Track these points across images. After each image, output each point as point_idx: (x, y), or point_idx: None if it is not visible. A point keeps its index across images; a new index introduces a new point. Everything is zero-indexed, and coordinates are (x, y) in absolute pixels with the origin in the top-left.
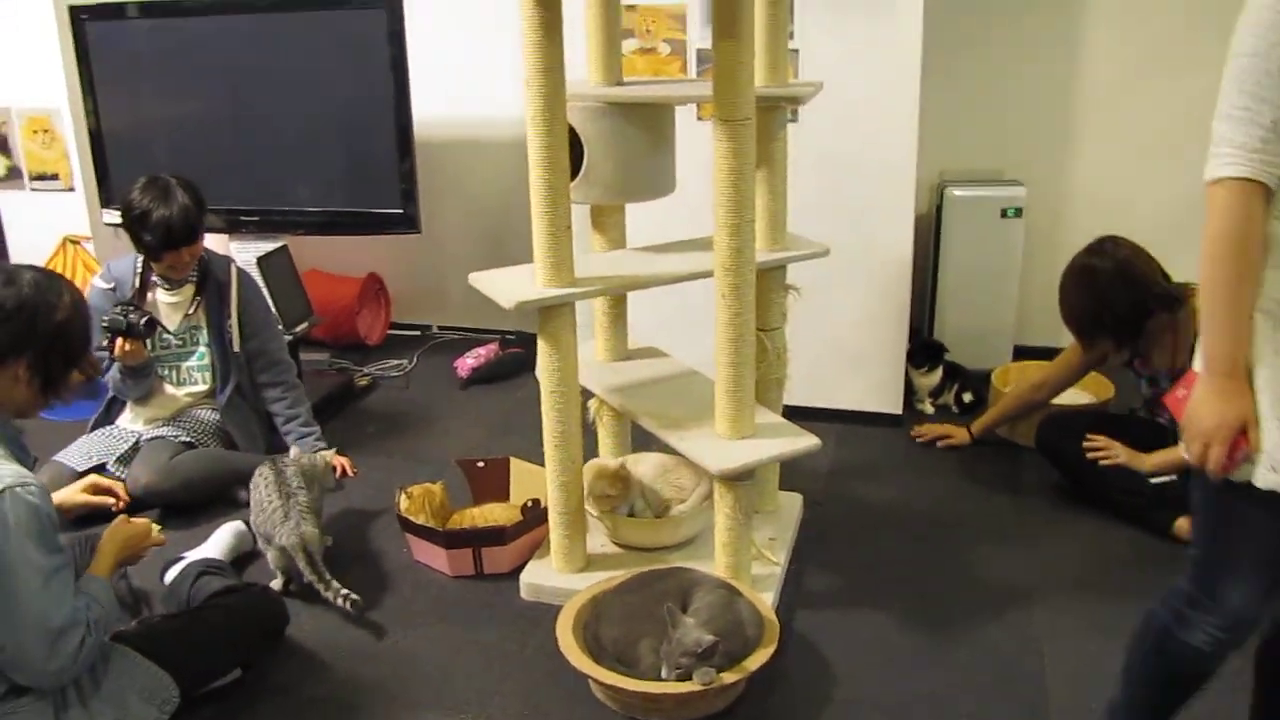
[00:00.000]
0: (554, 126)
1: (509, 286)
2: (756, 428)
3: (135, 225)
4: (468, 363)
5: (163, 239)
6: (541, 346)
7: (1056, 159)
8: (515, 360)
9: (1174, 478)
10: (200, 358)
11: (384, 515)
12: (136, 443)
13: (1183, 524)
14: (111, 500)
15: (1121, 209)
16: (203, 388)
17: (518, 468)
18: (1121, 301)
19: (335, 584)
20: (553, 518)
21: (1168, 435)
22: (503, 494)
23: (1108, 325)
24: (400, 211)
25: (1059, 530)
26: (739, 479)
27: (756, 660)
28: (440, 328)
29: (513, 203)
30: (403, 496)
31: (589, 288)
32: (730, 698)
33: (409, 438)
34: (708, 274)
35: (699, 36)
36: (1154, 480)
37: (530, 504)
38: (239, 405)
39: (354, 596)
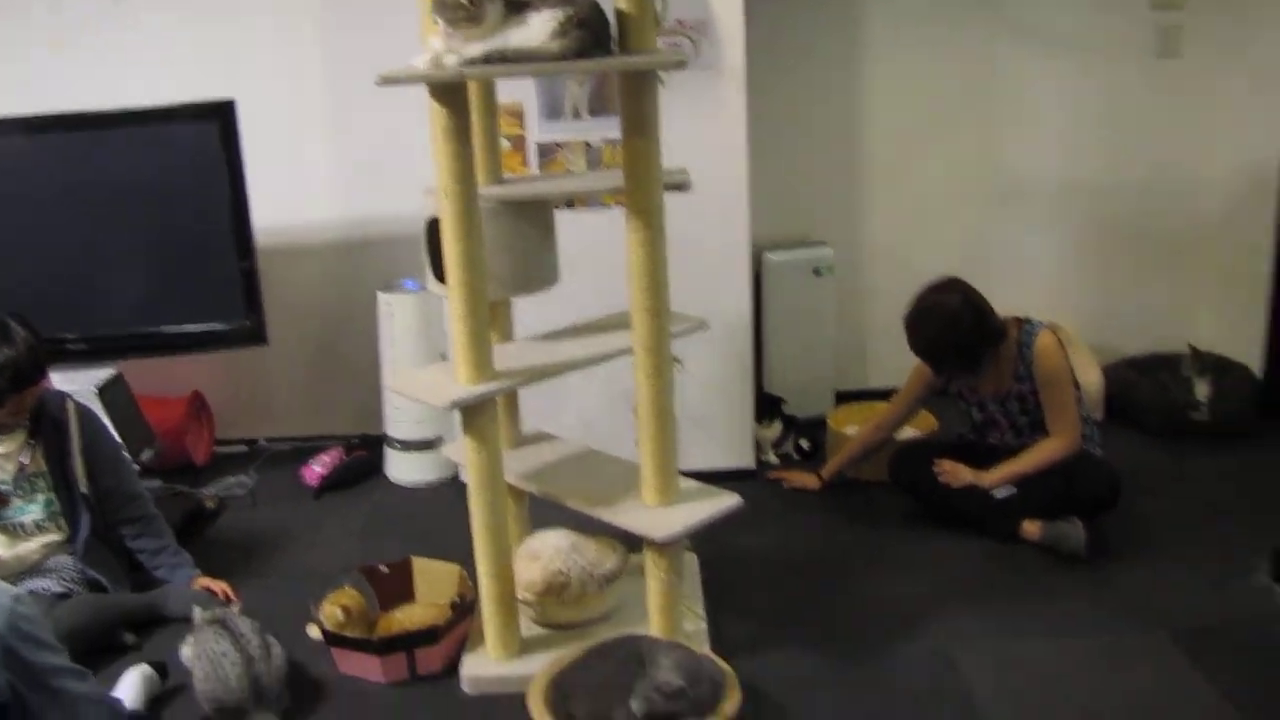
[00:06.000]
0: (471, 231)
1: (435, 387)
2: (679, 493)
3: None
4: (316, 470)
5: (11, 381)
6: (468, 443)
7: (853, 221)
8: (363, 464)
9: (1014, 489)
10: (48, 505)
11: (287, 635)
12: None
13: (1027, 527)
14: None
15: (909, 259)
16: (58, 536)
17: (419, 567)
18: (970, 332)
19: None
20: (487, 608)
21: (999, 453)
22: (408, 595)
23: (956, 353)
24: (245, 324)
25: (924, 550)
26: (675, 544)
27: (733, 704)
28: (269, 440)
29: (338, 307)
30: (337, 611)
31: (515, 379)
32: None
33: (280, 555)
34: (625, 353)
35: (538, 131)
36: (997, 493)
37: (457, 600)
38: (97, 547)
39: None
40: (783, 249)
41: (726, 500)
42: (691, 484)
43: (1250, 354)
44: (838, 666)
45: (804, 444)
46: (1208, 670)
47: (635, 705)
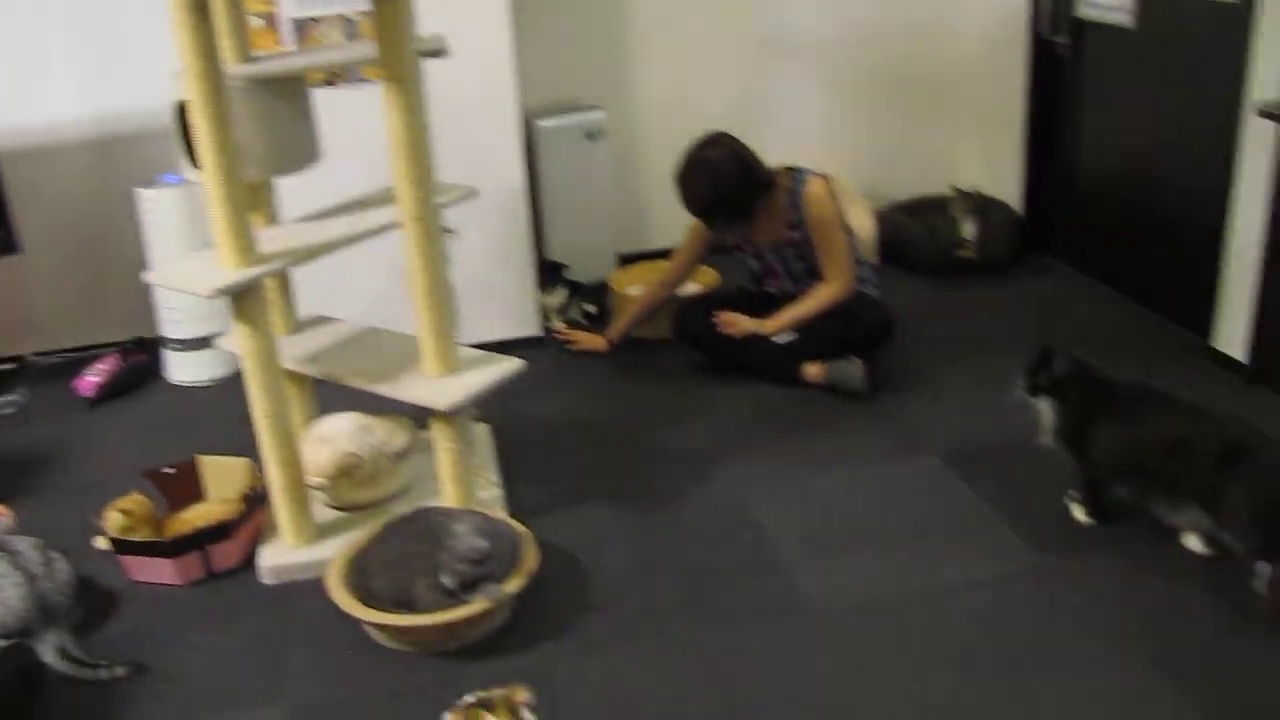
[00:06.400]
0: (218, 109)
1: (198, 276)
2: (460, 362)
3: None
4: (91, 380)
5: None
6: (240, 330)
7: (623, 83)
8: (141, 368)
9: (795, 334)
10: None
11: (75, 551)
12: None
13: (810, 369)
14: None
15: (681, 118)
16: None
17: (207, 465)
18: (738, 184)
19: (101, 664)
20: (278, 496)
21: (779, 301)
22: (198, 495)
23: (727, 206)
24: None
25: (712, 400)
26: (460, 413)
27: (530, 561)
28: (38, 354)
29: (97, 209)
30: (118, 516)
31: (281, 260)
32: (511, 605)
33: (59, 470)
34: (393, 226)
35: (291, 7)
36: (779, 340)
37: (249, 492)
38: None
39: (118, 672)
40: (554, 115)
41: (509, 366)
42: (473, 352)
43: (1010, 192)
44: (633, 517)
45: (589, 308)
46: (975, 485)
47: (446, 580)
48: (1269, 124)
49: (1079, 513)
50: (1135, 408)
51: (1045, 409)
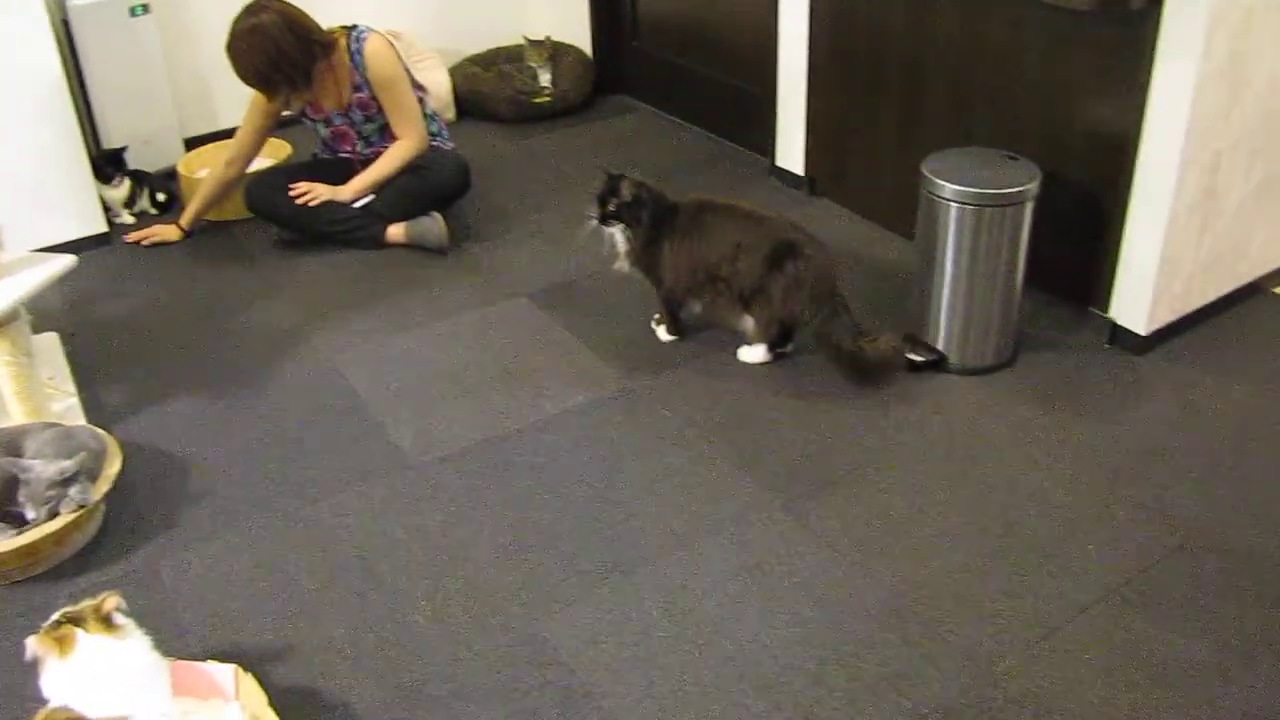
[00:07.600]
0: None
1: None
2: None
3: None
4: None
5: None
6: None
7: None
8: None
9: (373, 196)
10: None
11: None
12: None
13: (392, 231)
14: None
15: None
16: None
17: None
18: (293, 48)
19: None
20: None
21: (355, 165)
22: None
23: (285, 72)
24: None
25: (297, 274)
26: (9, 322)
27: (114, 464)
28: None
29: None
30: None
31: None
32: (101, 515)
33: None
34: None
35: None
36: (357, 204)
37: None
38: None
39: None
40: None
41: (57, 264)
42: (15, 255)
43: (580, 36)
44: (225, 403)
45: (159, 197)
46: (563, 320)
47: (35, 513)
48: None
49: (661, 333)
50: (698, 222)
51: (617, 235)
